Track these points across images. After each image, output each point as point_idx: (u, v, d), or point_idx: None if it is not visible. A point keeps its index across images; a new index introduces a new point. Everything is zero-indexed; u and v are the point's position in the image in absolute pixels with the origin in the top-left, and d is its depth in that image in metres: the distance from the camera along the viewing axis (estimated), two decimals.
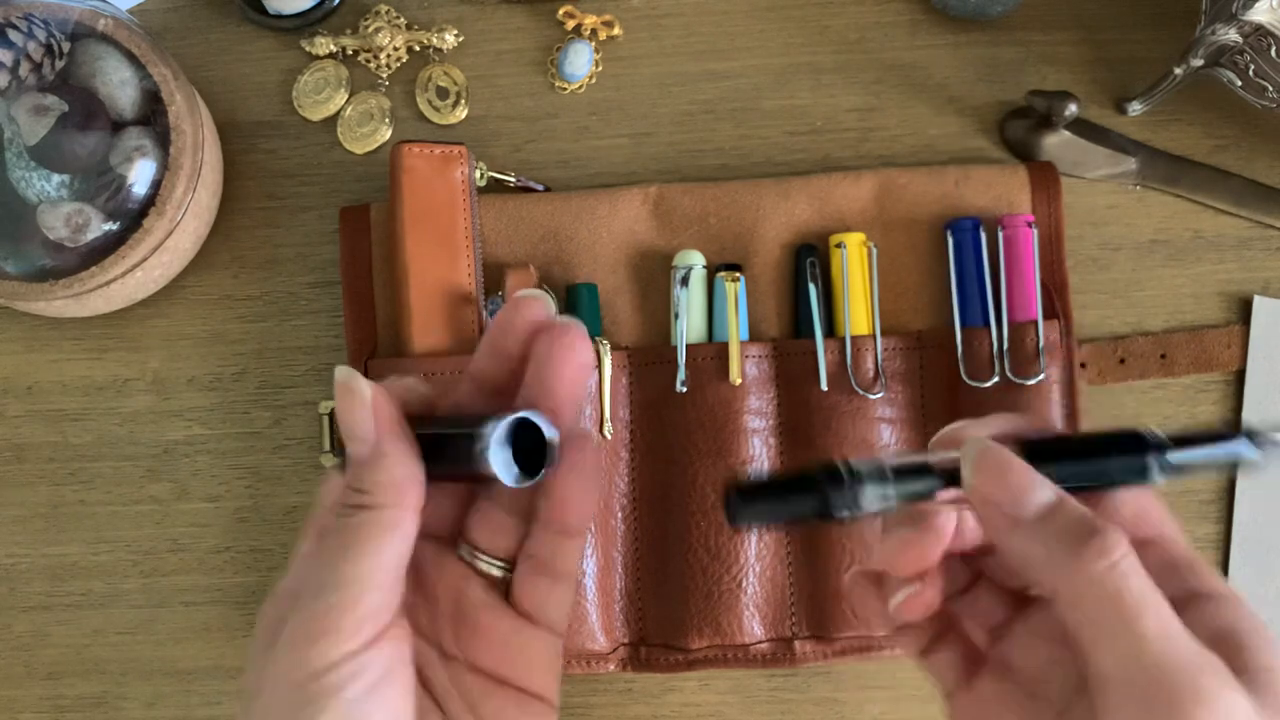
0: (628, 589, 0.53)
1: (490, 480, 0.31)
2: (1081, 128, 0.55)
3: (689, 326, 0.53)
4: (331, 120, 0.58)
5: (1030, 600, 0.34)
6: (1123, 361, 0.55)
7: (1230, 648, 0.28)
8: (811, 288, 0.53)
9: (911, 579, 0.33)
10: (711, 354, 0.53)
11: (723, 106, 0.57)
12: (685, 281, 0.53)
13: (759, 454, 0.52)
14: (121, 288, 0.53)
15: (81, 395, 0.57)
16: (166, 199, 0.51)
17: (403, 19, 0.58)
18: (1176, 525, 0.33)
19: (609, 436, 0.53)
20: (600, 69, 0.58)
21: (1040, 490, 0.30)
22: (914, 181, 0.54)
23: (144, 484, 0.57)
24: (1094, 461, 0.32)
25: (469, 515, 0.35)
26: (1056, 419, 0.51)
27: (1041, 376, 0.51)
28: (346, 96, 0.58)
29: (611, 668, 0.53)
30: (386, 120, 0.58)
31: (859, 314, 0.53)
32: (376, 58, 0.58)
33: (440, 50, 0.58)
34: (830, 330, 0.53)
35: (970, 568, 0.35)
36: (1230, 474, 0.54)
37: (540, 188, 0.56)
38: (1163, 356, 0.54)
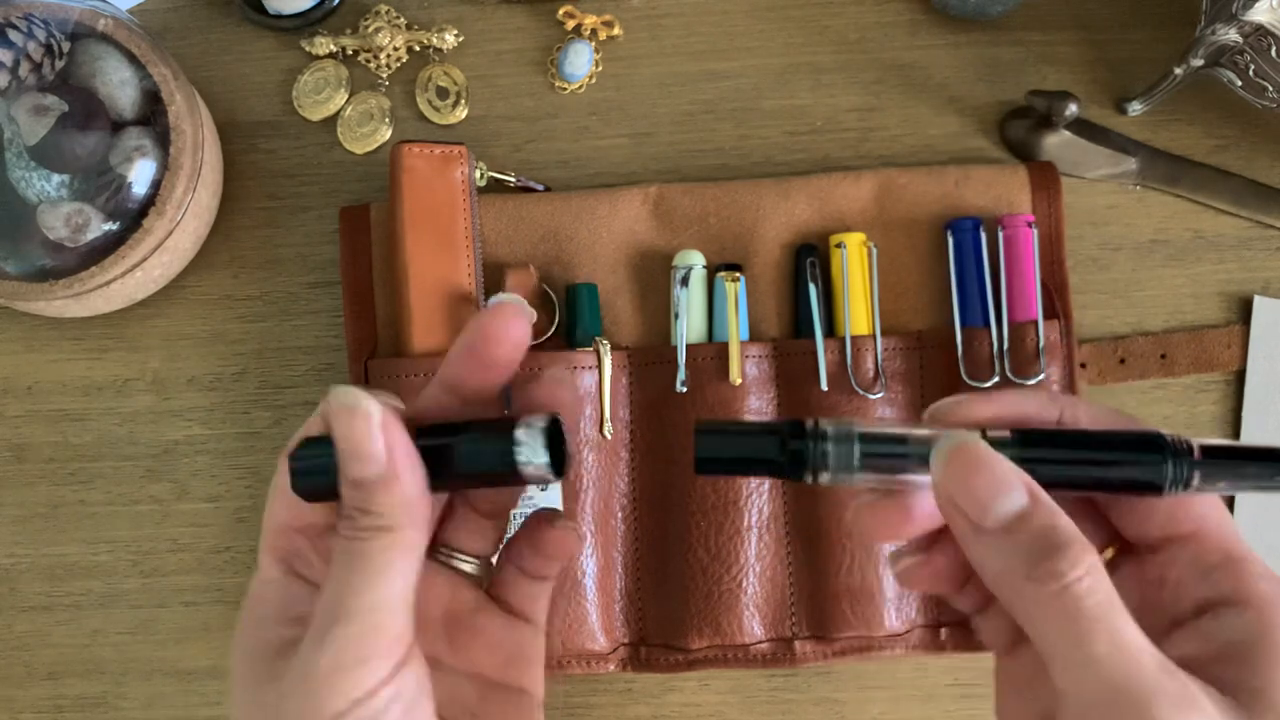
0: (628, 589, 0.53)
1: (508, 481, 0.31)
2: (1081, 128, 0.55)
3: (689, 326, 0.53)
4: (331, 120, 0.58)
5: None
6: (1123, 361, 0.55)
7: (1235, 663, 0.28)
8: (811, 288, 0.53)
9: (911, 549, 0.32)
10: (711, 354, 0.53)
11: (723, 106, 0.57)
12: (685, 281, 0.53)
13: None
14: (121, 288, 0.53)
15: (81, 395, 0.57)
16: (166, 199, 0.51)
17: (403, 19, 0.58)
18: (1223, 513, 0.31)
19: (609, 436, 0.53)
20: (600, 69, 0.58)
21: (1007, 498, 0.28)
22: (914, 181, 0.54)
23: (144, 484, 0.57)
24: (1097, 465, 0.30)
25: (445, 521, 0.35)
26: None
27: (1041, 376, 0.51)
28: (346, 96, 0.58)
29: (611, 668, 0.53)
30: (386, 120, 0.58)
31: (859, 314, 0.53)
32: (376, 58, 0.58)
33: (440, 50, 0.58)
34: (830, 330, 0.53)
35: None
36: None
37: (540, 188, 0.56)
38: (1163, 356, 0.54)
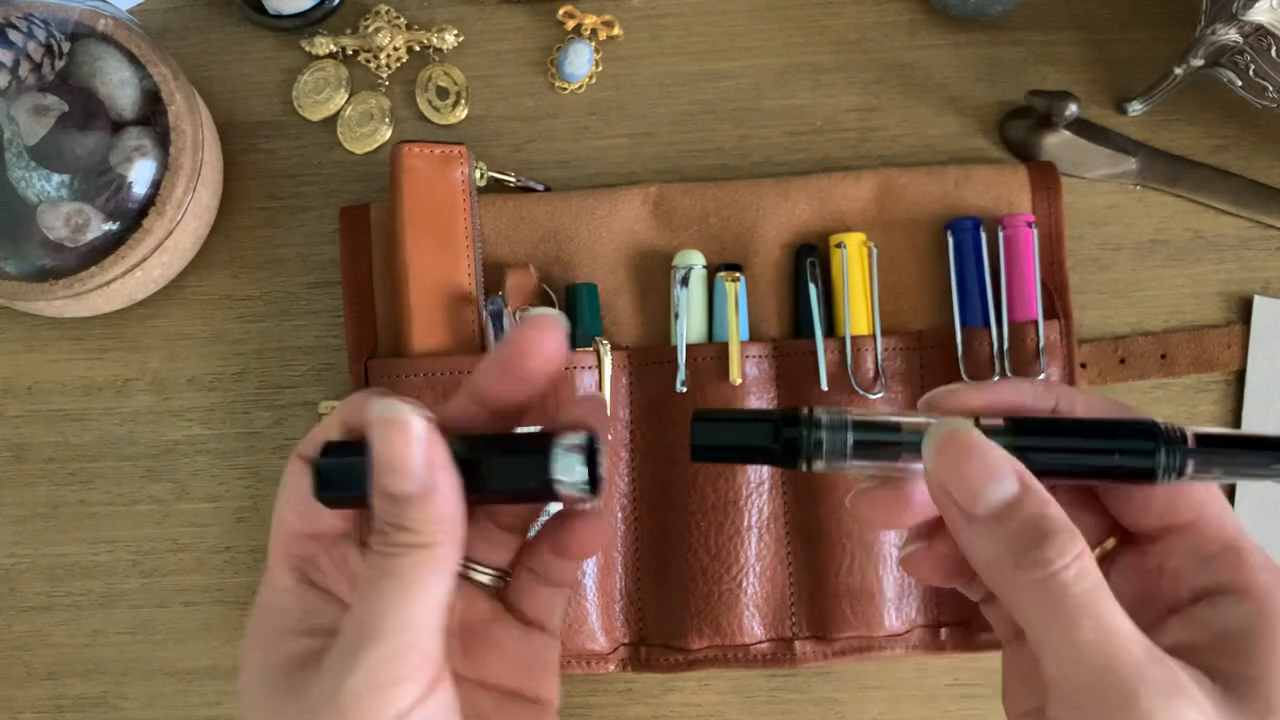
0: (628, 589, 0.53)
1: (541, 499, 0.31)
2: (1081, 128, 0.55)
3: (689, 326, 0.53)
4: (331, 120, 0.58)
5: None
6: (1123, 361, 0.55)
7: (1230, 652, 0.28)
8: (811, 288, 0.53)
9: (913, 536, 0.32)
10: (711, 354, 0.53)
11: (723, 106, 0.57)
12: (685, 281, 0.53)
13: None
14: (121, 288, 0.53)
15: (81, 395, 0.57)
16: (166, 199, 0.51)
17: (403, 19, 0.58)
18: (1223, 503, 0.31)
19: (609, 437, 0.53)
20: (600, 69, 0.58)
21: (998, 486, 0.28)
22: (914, 181, 0.54)
23: (144, 484, 0.57)
24: (1091, 453, 0.29)
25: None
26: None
27: (1042, 376, 0.52)
28: (346, 96, 0.58)
29: (611, 668, 0.53)
30: (386, 120, 0.58)
31: (859, 314, 0.53)
32: (376, 58, 0.58)
33: (440, 50, 0.58)
34: (830, 330, 0.53)
35: None
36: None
37: (540, 188, 0.56)
38: (1163, 356, 0.54)
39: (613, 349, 0.53)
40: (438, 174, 0.52)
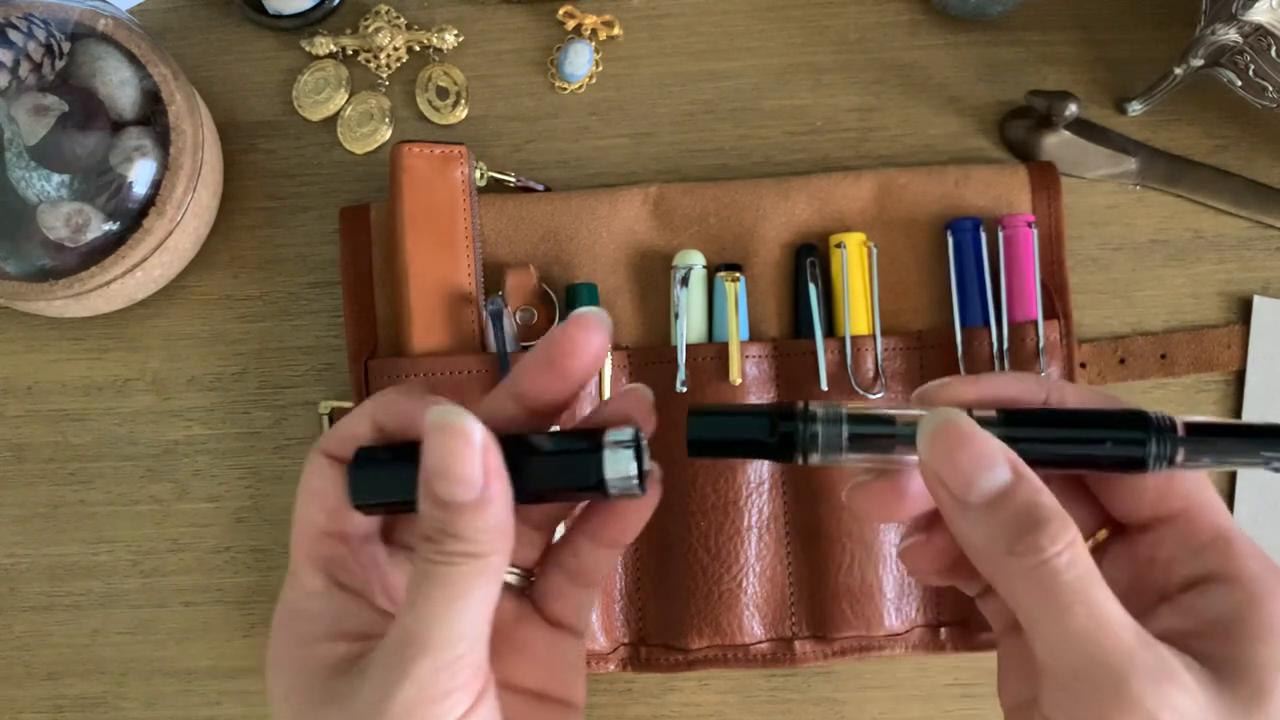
0: (628, 589, 0.53)
1: (590, 496, 0.30)
2: (1081, 128, 0.55)
3: (689, 326, 0.53)
4: (331, 120, 0.58)
5: None
6: (1123, 361, 0.55)
7: (1220, 637, 0.28)
8: (811, 288, 0.53)
9: (911, 529, 0.32)
10: (711, 354, 0.53)
11: (723, 106, 0.57)
12: (685, 281, 0.53)
13: None
14: (121, 288, 0.53)
15: (81, 395, 0.57)
16: (166, 199, 0.51)
17: (403, 19, 0.58)
18: (1212, 493, 0.31)
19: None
20: (600, 69, 0.58)
21: (991, 473, 0.28)
22: (914, 181, 0.54)
23: (144, 484, 0.57)
24: (1082, 443, 0.30)
25: None
26: None
27: (1041, 376, 0.52)
28: (346, 96, 0.58)
29: (611, 668, 0.53)
30: (386, 120, 0.58)
31: (859, 314, 0.53)
32: (376, 58, 0.58)
33: (440, 50, 0.58)
34: (830, 330, 0.53)
35: None
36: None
37: (540, 188, 0.56)
38: (1163, 356, 0.54)
39: (613, 349, 0.53)
40: (438, 174, 0.52)
